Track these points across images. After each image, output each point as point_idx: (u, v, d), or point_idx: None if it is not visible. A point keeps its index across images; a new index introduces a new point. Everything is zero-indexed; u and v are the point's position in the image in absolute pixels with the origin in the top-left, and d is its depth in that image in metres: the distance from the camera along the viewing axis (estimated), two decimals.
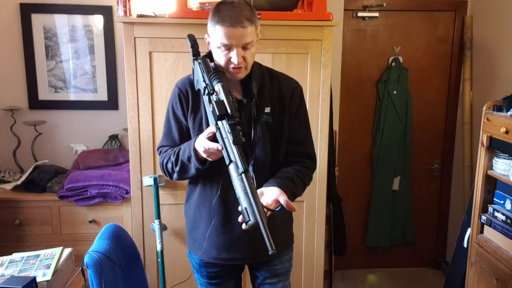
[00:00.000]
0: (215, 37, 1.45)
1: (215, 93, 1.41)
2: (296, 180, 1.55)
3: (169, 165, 1.59)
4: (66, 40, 2.79)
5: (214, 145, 1.37)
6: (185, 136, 1.62)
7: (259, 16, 2.09)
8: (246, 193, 1.25)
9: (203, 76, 1.47)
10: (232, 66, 1.47)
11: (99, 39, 2.81)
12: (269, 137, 1.57)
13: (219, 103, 1.35)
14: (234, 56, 1.44)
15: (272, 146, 1.58)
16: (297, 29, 2.19)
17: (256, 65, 1.60)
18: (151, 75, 2.19)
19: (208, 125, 1.53)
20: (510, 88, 2.66)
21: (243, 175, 1.27)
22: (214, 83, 1.42)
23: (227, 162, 1.33)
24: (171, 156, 1.58)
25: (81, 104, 2.87)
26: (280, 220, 1.62)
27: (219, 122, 1.36)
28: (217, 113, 1.33)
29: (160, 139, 1.70)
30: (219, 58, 1.48)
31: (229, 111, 1.34)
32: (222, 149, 1.34)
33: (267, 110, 1.56)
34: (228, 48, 1.44)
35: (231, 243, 1.60)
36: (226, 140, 1.34)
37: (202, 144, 1.42)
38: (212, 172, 1.52)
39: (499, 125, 2.08)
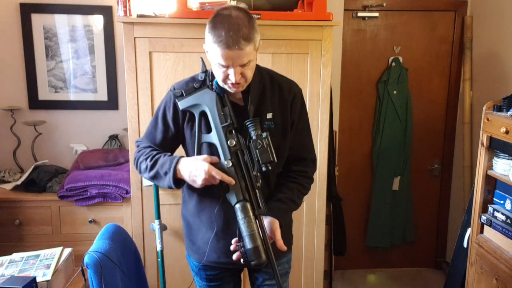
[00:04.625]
0: (212, 54, 1.41)
1: (249, 140, 1.45)
2: (297, 199, 1.61)
3: (143, 166, 1.56)
4: (66, 40, 2.79)
5: (228, 179, 1.41)
6: (167, 140, 1.60)
7: (258, 17, 2.10)
8: (254, 235, 1.37)
9: (222, 110, 1.48)
10: (230, 82, 1.44)
11: (99, 39, 2.81)
12: (272, 143, 1.53)
13: (264, 150, 1.42)
14: (231, 75, 1.41)
15: (275, 152, 1.55)
16: (297, 29, 2.19)
17: (256, 69, 1.56)
18: (151, 75, 2.19)
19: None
20: (510, 88, 2.66)
21: (257, 217, 1.41)
22: (251, 129, 1.45)
23: (236, 200, 1.42)
24: (148, 160, 1.55)
25: (81, 104, 2.87)
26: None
27: (241, 158, 1.44)
28: (261, 161, 1.42)
29: (143, 135, 1.68)
30: (217, 74, 1.45)
31: (271, 158, 1.42)
32: (235, 184, 1.42)
33: (269, 116, 1.55)
34: (226, 67, 1.41)
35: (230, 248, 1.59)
36: (240, 176, 1.43)
37: (206, 168, 1.41)
38: None
39: (499, 125, 2.08)
